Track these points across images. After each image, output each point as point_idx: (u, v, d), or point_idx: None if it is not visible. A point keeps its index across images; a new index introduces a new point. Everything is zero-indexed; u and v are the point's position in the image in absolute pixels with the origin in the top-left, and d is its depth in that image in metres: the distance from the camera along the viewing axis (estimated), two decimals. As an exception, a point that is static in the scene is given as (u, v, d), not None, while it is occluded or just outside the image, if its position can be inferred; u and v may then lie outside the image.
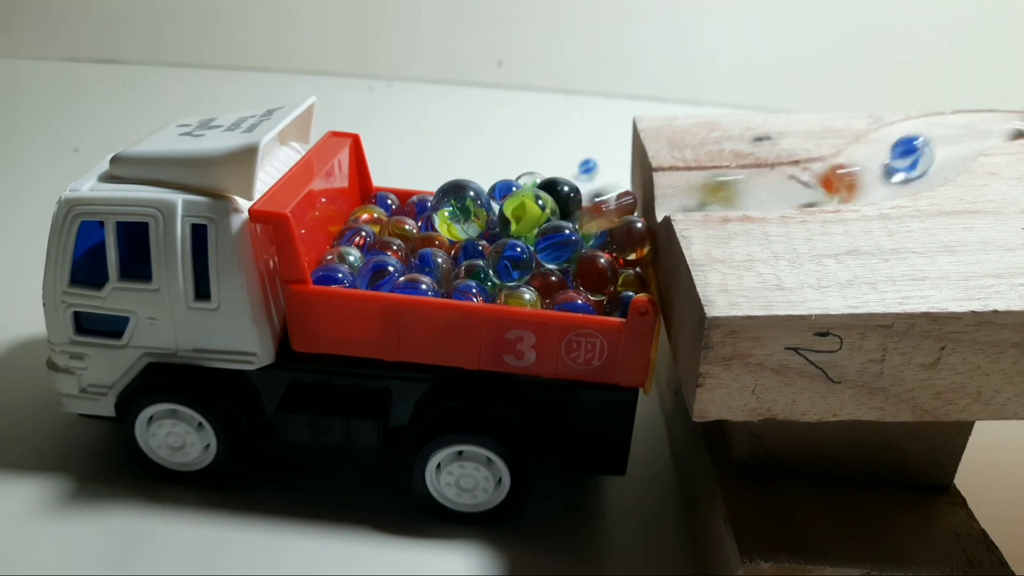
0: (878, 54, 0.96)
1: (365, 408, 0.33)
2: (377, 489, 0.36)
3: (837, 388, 0.26)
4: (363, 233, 0.37)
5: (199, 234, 0.32)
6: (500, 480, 0.33)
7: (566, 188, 0.36)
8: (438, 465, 0.33)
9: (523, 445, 0.33)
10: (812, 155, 0.38)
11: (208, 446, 0.34)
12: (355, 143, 0.41)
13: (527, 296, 0.32)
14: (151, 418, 0.34)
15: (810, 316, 0.25)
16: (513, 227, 0.34)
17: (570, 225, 0.33)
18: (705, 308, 0.25)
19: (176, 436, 0.34)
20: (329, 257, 0.34)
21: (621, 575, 0.32)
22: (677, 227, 0.30)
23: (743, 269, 0.27)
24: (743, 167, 0.37)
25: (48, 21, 1.00)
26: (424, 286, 0.32)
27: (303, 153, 0.38)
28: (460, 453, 0.33)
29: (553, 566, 0.32)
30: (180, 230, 0.32)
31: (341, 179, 0.39)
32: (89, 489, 0.35)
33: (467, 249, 0.35)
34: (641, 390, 0.32)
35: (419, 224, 0.38)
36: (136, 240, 0.32)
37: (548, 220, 0.34)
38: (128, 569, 0.31)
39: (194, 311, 0.32)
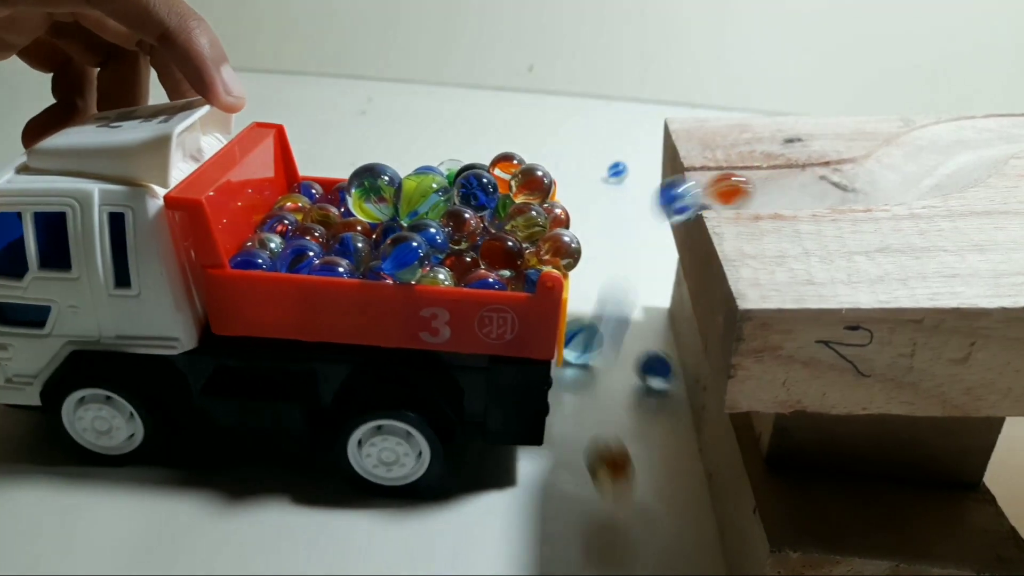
0: (910, 59, 0.95)
1: (289, 390, 0.34)
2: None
3: (867, 382, 0.26)
4: (286, 221, 0.37)
5: (117, 223, 0.32)
6: (420, 453, 0.34)
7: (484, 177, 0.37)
8: (359, 441, 0.34)
9: (441, 419, 0.34)
10: (843, 156, 0.38)
11: (134, 432, 0.35)
12: (279, 133, 0.41)
13: (441, 276, 0.33)
14: (78, 403, 0.35)
15: (841, 310, 0.25)
16: (403, 196, 0.35)
17: None
18: (737, 301, 0.26)
19: (102, 420, 0.35)
20: (249, 244, 0.35)
21: (650, 567, 0.33)
22: (708, 223, 0.31)
23: (774, 264, 0.28)
24: (774, 168, 0.37)
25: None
26: (341, 268, 0.33)
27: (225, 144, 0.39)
28: (380, 428, 0.34)
29: (583, 556, 0.33)
30: (98, 219, 0.32)
31: (265, 169, 0.40)
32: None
33: (388, 233, 0.35)
34: (553, 362, 0.34)
35: (341, 211, 0.39)
36: (55, 230, 0.33)
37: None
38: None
39: (115, 298, 0.33)
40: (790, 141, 0.40)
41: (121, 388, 0.34)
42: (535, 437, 0.35)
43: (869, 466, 0.31)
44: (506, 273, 0.34)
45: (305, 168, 0.43)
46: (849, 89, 0.96)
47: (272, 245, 0.35)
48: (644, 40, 1.00)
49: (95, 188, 0.32)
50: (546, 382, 0.34)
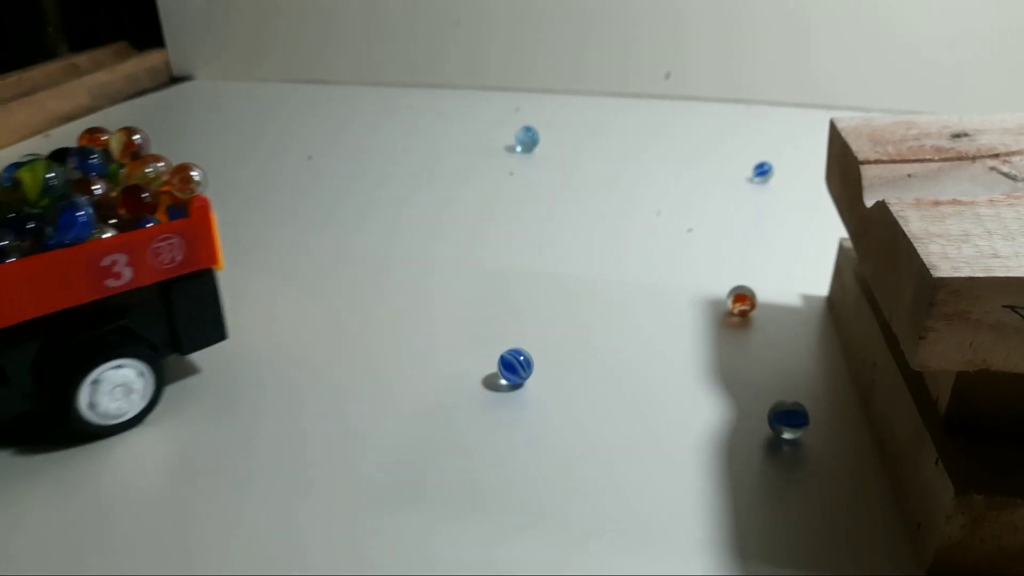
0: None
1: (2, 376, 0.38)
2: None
3: (1050, 345, 0.30)
4: None
5: None
6: (142, 373, 0.41)
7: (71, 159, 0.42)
8: (89, 400, 0.39)
9: (149, 345, 0.41)
10: (1012, 149, 0.41)
11: None
12: None
13: (107, 235, 0.38)
14: None
15: (1027, 279, 0.29)
16: (24, 188, 0.39)
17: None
18: (931, 271, 0.30)
19: None
20: None
21: (825, 522, 0.37)
22: (893, 209, 0.35)
23: (960, 242, 0.31)
24: (945, 160, 0.41)
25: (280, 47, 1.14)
26: (11, 258, 0.36)
27: None
28: (98, 380, 0.39)
29: (768, 514, 0.37)
30: None
31: None
32: None
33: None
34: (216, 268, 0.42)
35: None
36: None
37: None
38: None
39: None
40: (957, 136, 0.43)
41: None
42: (220, 334, 0.44)
43: (1044, 431, 0.34)
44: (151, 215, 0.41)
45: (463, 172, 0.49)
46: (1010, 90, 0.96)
47: None
48: (776, 45, 1.03)
49: None
50: (215, 285, 0.43)
